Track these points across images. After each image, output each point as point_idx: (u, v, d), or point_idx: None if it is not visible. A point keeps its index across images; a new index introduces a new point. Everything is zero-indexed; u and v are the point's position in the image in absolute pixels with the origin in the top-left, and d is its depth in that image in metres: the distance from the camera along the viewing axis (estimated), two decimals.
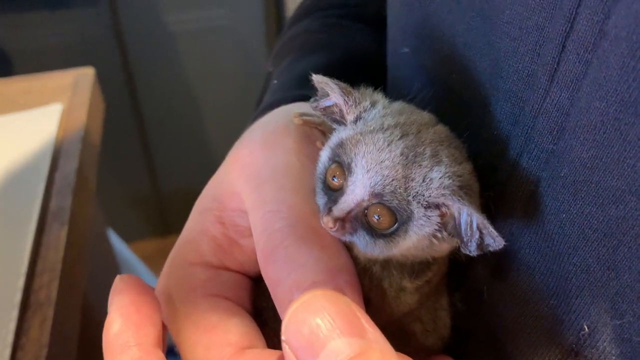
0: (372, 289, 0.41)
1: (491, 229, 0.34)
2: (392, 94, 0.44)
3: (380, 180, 0.36)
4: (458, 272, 0.46)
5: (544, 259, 0.38)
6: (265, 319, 0.42)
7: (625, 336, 0.35)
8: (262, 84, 0.65)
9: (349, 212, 0.37)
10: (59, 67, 1.17)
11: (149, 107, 2.22)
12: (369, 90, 0.43)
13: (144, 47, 2.09)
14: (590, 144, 0.33)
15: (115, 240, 1.39)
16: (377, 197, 0.36)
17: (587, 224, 0.35)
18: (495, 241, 0.34)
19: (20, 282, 0.70)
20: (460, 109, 0.44)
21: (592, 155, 0.33)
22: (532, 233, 0.39)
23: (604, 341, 0.36)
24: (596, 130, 0.33)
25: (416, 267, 0.41)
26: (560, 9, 0.34)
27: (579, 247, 0.36)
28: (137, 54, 2.10)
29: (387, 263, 0.41)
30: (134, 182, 2.37)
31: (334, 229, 0.37)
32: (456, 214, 0.36)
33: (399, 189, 0.36)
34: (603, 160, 0.33)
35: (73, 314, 0.76)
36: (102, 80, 1.20)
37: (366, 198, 0.37)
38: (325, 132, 0.44)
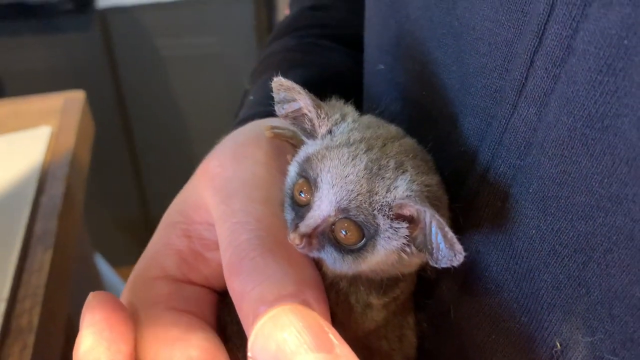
0: (338, 304, 0.40)
1: (451, 234, 0.33)
2: (368, 112, 0.43)
3: (346, 195, 0.36)
4: (424, 291, 0.45)
5: (513, 277, 0.38)
6: (229, 334, 0.41)
7: (598, 354, 0.34)
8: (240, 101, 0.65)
9: (315, 228, 0.37)
10: (51, 91, 1.17)
11: (140, 131, 2.22)
12: (339, 102, 0.42)
13: (136, 72, 2.10)
14: (559, 160, 0.33)
15: (103, 265, 1.38)
16: (344, 212, 0.36)
17: (557, 240, 0.34)
18: (455, 251, 0.33)
19: (1, 307, 0.69)
20: (430, 125, 0.44)
21: (560, 170, 0.33)
22: (499, 250, 0.38)
23: (577, 358, 0.35)
24: (564, 146, 0.33)
25: (385, 284, 0.40)
26: (529, 24, 0.34)
27: (550, 263, 0.35)
28: (129, 79, 2.10)
29: (355, 279, 0.40)
30: (124, 207, 2.36)
31: (301, 246, 0.36)
32: (421, 218, 0.35)
33: (364, 203, 0.36)
34: (571, 175, 0.33)
35: (55, 340, 0.75)
36: (94, 104, 1.19)
37: (332, 213, 0.36)
38: (296, 146, 0.44)
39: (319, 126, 0.40)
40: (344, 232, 0.36)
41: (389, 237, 0.36)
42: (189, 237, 0.43)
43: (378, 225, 0.36)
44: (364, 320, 0.41)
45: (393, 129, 0.41)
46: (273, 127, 0.44)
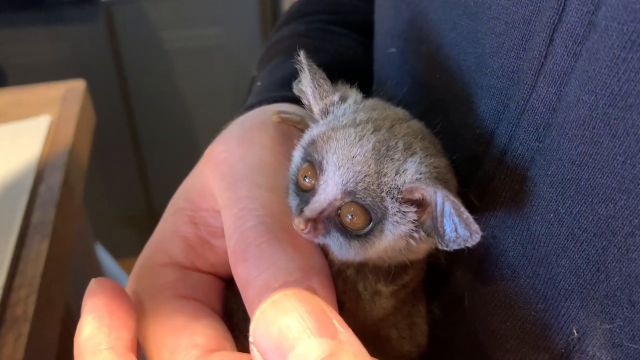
0: (345, 292, 0.39)
1: (467, 214, 0.32)
2: (377, 96, 0.42)
3: (352, 176, 0.34)
4: (437, 279, 0.44)
5: (530, 262, 0.37)
6: (235, 321, 0.41)
7: (616, 341, 0.33)
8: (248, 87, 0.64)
9: (321, 212, 0.35)
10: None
11: (144, 123, 2.22)
12: (344, 86, 0.41)
13: (141, 64, 2.11)
14: (579, 141, 0.32)
15: (104, 256, 1.37)
16: (350, 195, 0.34)
17: (576, 223, 0.33)
18: (471, 231, 0.32)
19: None
20: (443, 109, 0.43)
21: (580, 152, 0.32)
22: (516, 235, 0.37)
23: (594, 346, 0.34)
24: (585, 126, 0.31)
25: (392, 271, 0.39)
26: (548, 0, 0.33)
27: (568, 248, 0.34)
28: (133, 71, 2.11)
29: (362, 266, 0.39)
30: (128, 198, 2.37)
31: (306, 231, 0.35)
32: (432, 200, 0.34)
33: (372, 185, 0.34)
34: (592, 157, 0.32)
35: (51, 330, 0.74)
36: (98, 96, 1.19)
37: (339, 197, 0.35)
38: (303, 131, 0.42)
39: (313, 104, 0.39)
40: (350, 217, 0.35)
41: (397, 222, 0.35)
42: (195, 224, 0.42)
43: (386, 208, 0.35)
44: (373, 308, 0.40)
45: (400, 111, 0.40)
46: (280, 112, 0.43)
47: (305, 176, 0.37)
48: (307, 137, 0.39)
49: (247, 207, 0.37)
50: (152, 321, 0.38)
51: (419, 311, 0.44)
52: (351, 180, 0.34)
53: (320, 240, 0.36)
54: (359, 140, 0.35)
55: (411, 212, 0.35)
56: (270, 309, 0.29)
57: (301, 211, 0.35)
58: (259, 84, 0.57)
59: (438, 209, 0.33)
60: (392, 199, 0.34)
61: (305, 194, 0.37)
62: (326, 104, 0.39)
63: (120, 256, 1.63)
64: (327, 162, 0.35)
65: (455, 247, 0.33)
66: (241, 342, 0.39)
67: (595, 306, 0.34)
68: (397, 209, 0.35)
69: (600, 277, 0.33)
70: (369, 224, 0.35)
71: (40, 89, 1.14)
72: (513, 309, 0.39)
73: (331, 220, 0.36)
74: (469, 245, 0.32)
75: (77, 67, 2.03)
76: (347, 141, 0.35)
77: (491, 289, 0.40)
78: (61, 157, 0.95)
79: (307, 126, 0.41)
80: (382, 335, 0.42)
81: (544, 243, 0.35)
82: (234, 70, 2.17)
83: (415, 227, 0.35)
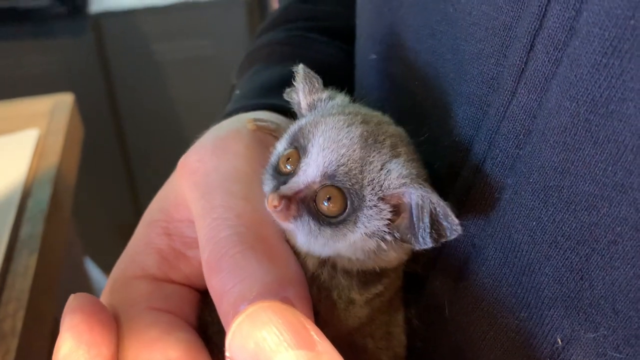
0: (320, 301, 0.39)
1: (449, 211, 0.32)
2: (359, 102, 0.43)
3: (335, 159, 0.34)
4: (416, 287, 0.44)
5: (512, 270, 0.37)
6: (210, 334, 0.40)
7: (600, 350, 0.33)
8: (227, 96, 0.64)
9: (297, 192, 0.35)
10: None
11: (134, 136, 2.21)
12: (335, 92, 0.42)
13: (129, 76, 2.10)
14: (561, 147, 0.32)
15: (93, 270, 1.36)
16: (330, 178, 0.34)
17: (559, 231, 0.33)
18: (451, 225, 0.33)
19: None
20: (423, 116, 0.43)
21: (562, 158, 0.32)
22: (497, 243, 0.37)
23: (579, 355, 0.34)
24: (566, 133, 0.31)
25: (366, 278, 0.38)
26: (529, 6, 0.33)
27: (551, 256, 0.34)
28: (122, 84, 2.10)
29: (334, 270, 0.39)
30: (117, 211, 2.35)
31: (279, 208, 0.34)
32: (412, 202, 0.34)
33: (354, 170, 0.34)
34: (574, 164, 0.31)
35: (40, 345, 0.73)
36: (87, 109, 1.18)
37: (318, 180, 0.35)
38: (279, 139, 0.43)
39: (303, 98, 0.39)
40: (325, 203, 0.35)
41: (371, 215, 0.35)
42: (169, 235, 0.42)
43: (364, 197, 0.35)
44: (347, 317, 0.40)
45: (385, 116, 0.40)
46: (255, 120, 0.43)
47: (287, 163, 0.37)
48: (294, 127, 0.39)
49: (221, 217, 0.36)
50: (126, 334, 0.37)
51: (396, 321, 0.43)
52: (333, 163, 0.34)
53: (290, 223, 0.36)
54: (348, 126, 0.35)
55: (386, 210, 0.35)
56: (246, 322, 0.28)
57: (277, 189, 0.35)
58: (237, 92, 0.57)
59: (421, 211, 0.34)
60: (372, 190, 0.35)
61: (284, 177, 0.36)
62: (314, 99, 0.39)
63: (109, 270, 1.62)
64: (312, 145, 0.35)
65: (434, 244, 0.34)
66: (216, 355, 0.38)
67: (579, 315, 0.33)
68: (375, 203, 0.35)
69: (584, 285, 0.32)
70: (344, 212, 0.35)
71: (28, 103, 1.14)
72: (496, 318, 0.39)
73: (306, 203, 0.35)
74: (445, 239, 0.33)
75: (66, 79, 2.02)
76: (335, 126, 0.36)
77: (472, 298, 0.40)
78: (49, 171, 0.94)
79: (283, 134, 0.41)
80: (359, 345, 0.42)
81: (527, 251, 0.35)
82: (223, 81, 2.16)
83: (388, 228, 0.35)
